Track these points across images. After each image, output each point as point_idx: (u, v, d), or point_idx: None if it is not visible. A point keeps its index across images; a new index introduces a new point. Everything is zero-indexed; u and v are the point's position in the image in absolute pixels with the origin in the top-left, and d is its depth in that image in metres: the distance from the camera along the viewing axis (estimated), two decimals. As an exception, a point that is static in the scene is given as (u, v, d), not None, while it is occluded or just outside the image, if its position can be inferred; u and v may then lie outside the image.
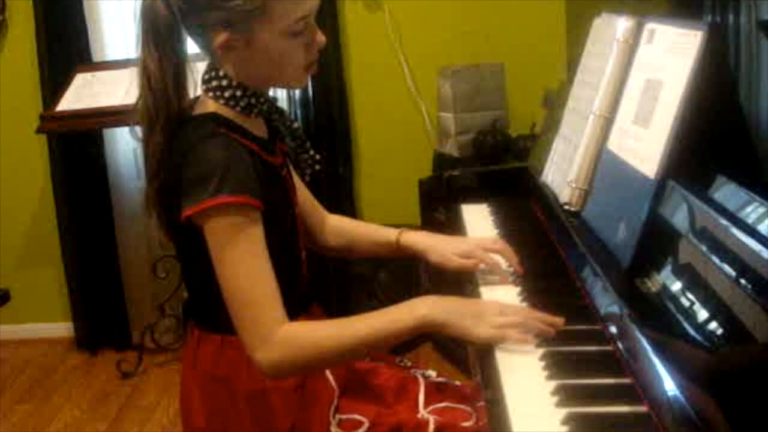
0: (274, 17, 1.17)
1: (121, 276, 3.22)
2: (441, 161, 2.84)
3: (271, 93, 1.31)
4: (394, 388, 1.34)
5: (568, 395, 0.98)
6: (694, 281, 0.98)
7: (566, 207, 1.45)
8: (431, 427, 1.25)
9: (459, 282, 1.44)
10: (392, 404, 1.32)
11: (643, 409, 0.93)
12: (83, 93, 2.78)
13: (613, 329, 1.08)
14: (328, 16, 2.88)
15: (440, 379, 1.42)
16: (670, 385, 0.87)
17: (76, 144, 3.05)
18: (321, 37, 1.24)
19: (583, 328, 1.16)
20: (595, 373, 1.03)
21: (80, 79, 2.84)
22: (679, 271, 1.03)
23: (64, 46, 2.97)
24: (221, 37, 1.18)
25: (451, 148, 2.80)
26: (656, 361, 0.92)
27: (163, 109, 1.19)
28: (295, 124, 1.36)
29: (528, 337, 1.13)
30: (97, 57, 3.04)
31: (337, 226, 1.54)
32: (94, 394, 2.87)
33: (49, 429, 2.67)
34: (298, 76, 1.26)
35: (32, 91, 3.04)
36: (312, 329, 1.20)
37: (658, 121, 1.18)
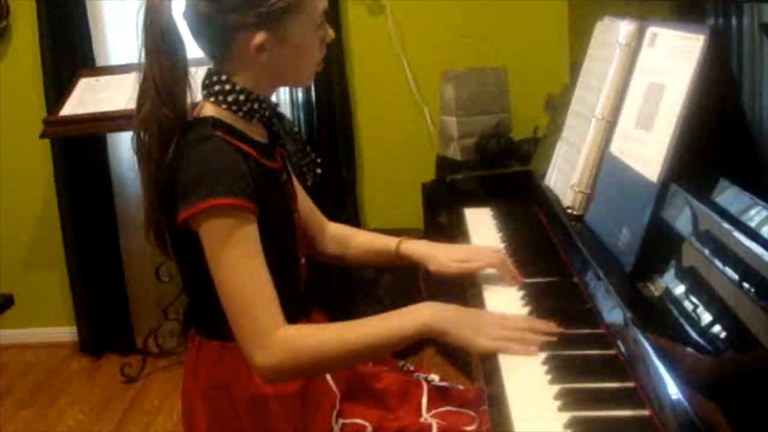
0: (306, 10, 1.21)
1: (125, 280, 3.23)
2: (444, 165, 2.83)
3: (273, 98, 1.31)
4: (397, 392, 1.34)
5: (571, 399, 0.98)
6: (697, 285, 0.98)
7: (569, 211, 1.45)
8: (434, 431, 1.25)
9: (461, 287, 1.44)
10: (395, 408, 1.32)
11: (646, 413, 0.93)
12: (87, 98, 2.78)
13: (616, 333, 1.08)
14: (331, 20, 2.88)
15: (443, 383, 1.42)
16: (673, 389, 0.87)
17: (80, 149, 3.05)
18: (331, 31, 1.28)
19: (585, 332, 1.16)
20: (598, 377, 1.03)
21: (84, 84, 2.84)
22: (682, 275, 1.03)
23: (68, 51, 2.98)
24: (258, 38, 1.18)
25: (453, 152, 2.80)
26: (659, 365, 0.91)
27: (163, 114, 1.19)
28: (296, 129, 1.36)
29: (529, 349, 1.12)
30: (100, 62, 3.04)
31: (336, 234, 1.54)
32: (97, 398, 2.87)
33: (52, 433, 2.67)
34: (310, 73, 1.28)
35: (36, 96, 3.05)
36: (312, 332, 1.20)
37: (660, 125, 1.18)
